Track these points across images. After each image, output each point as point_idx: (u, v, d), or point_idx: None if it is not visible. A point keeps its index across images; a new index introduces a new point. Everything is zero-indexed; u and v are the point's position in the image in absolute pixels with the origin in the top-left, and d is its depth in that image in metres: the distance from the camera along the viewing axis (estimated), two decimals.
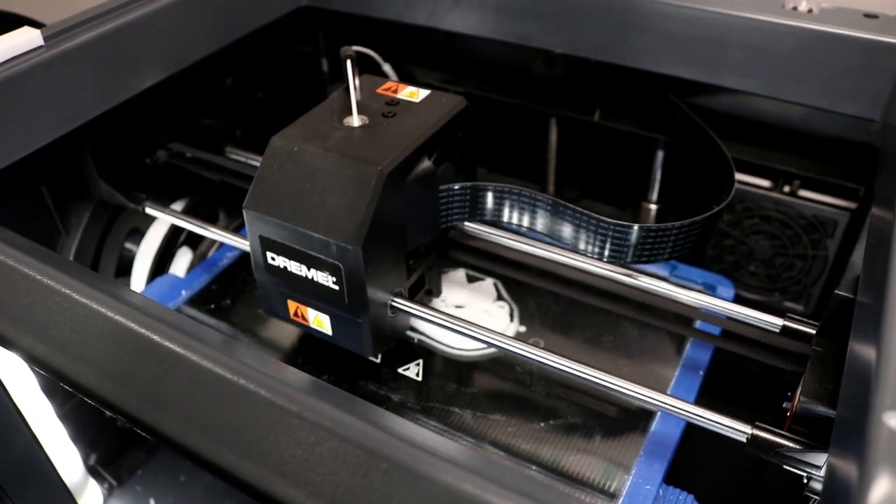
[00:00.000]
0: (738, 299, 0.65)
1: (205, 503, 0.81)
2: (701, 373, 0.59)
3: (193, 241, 0.79)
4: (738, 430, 0.45)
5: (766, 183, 0.73)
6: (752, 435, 0.44)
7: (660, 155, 0.75)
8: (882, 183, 0.51)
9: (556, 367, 0.51)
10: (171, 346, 0.39)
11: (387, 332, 0.55)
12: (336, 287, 0.51)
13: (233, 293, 0.67)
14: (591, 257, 0.54)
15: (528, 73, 0.81)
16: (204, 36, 0.71)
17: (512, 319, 0.64)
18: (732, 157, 0.60)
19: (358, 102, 0.54)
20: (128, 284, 0.76)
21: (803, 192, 0.71)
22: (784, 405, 0.47)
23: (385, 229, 0.50)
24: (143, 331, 0.41)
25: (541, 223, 0.54)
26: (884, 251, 0.39)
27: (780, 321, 0.51)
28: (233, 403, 0.36)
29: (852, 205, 0.69)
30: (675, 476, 0.53)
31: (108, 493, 0.81)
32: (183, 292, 0.67)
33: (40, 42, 0.59)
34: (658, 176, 0.77)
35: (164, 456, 0.85)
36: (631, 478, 0.51)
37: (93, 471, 0.81)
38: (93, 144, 0.67)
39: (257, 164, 0.72)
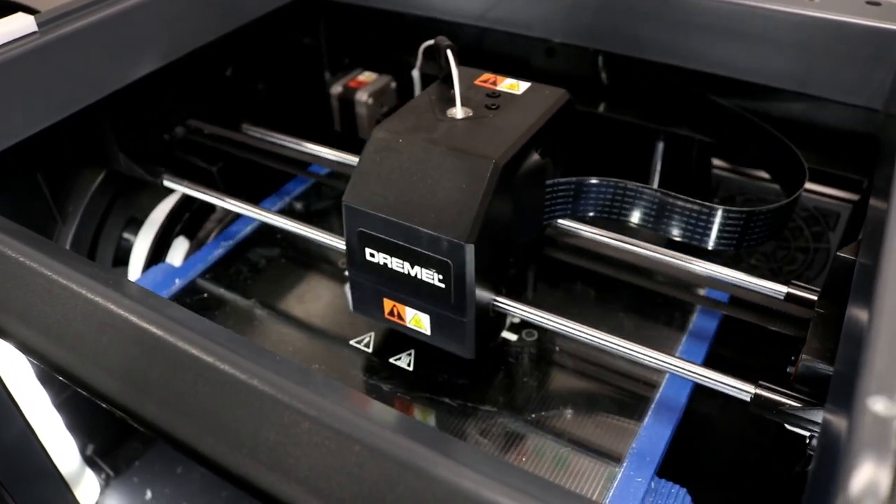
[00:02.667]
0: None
1: (201, 495, 0.81)
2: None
3: (191, 229, 0.79)
4: (741, 389, 0.46)
5: (766, 174, 0.72)
6: (756, 394, 0.45)
7: (660, 146, 0.74)
8: (881, 171, 0.50)
9: (571, 332, 0.52)
10: (166, 337, 0.39)
11: (488, 332, 0.53)
12: (442, 285, 0.49)
13: (226, 283, 0.67)
14: (697, 246, 0.54)
15: (529, 63, 0.80)
16: (202, 24, 0.71)
17: None
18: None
19: (460, 94, 0.53)
20: (125, 273, 0.76)
21: (805, 184, 0.70)
22: (788, 369, 0.47)
23: (495, 226, 0.48)
24: (138, 321, 0.40)
25: (647, 216, 0.53)
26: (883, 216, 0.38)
27: (784, 288, 0.51)
28: (209, 386, 0.36)
29: (854, 197, 0.68)
30: (667, 469, 0.52)
31: (105, 483, 0.81)
32: (177, 281, 0.67)
33: (34, 28, 0.59)
34: (658, 168, 0.76)
35: (161, 447, 0.85)
36: (622, 470, 0.50)
37: (89, 461, 0.81)
38: (114, 119, 0.67)
39: (274, 140, 0.74)
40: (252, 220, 0.74)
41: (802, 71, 0.60)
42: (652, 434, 0.53)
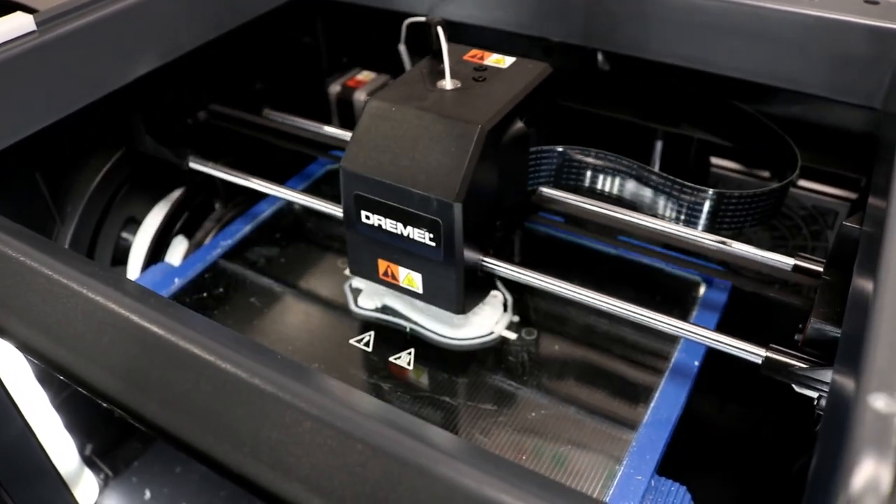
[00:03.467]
0: (736, 291, 0.64)
1: (200, 494, 0.81)
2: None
3: (189, 229, 0.79)
4: (753, 352, 0.48)
5: (765, 173, 0.72)
6: (767, 357, 0.47)
7: (658, 145, 0.74)
8: (881, 169, 0.50)
9: (583, 298, 0.54)
10: (167, 336, 0.39)
11: (475, 292, 0.56)
12: (433, 243, 0.52)
13: (226, 282, 0.67)
14: (678, 223, 0.56)
15: None
16: (200, 24, 0.70)
17: (505, 310, 0.63)
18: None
19: (449, 68, 0.55)
20: (124, 273, 0.76)
21: (803, 183, 0.70)
22: (796, 337, 0.49)
23: (482, 187, 0.51)
24: (139, 320, 0.40)
25: (628, 188, 0.57)
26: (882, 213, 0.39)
27: (791, 260, 0.53)
28: (210, 385, 0.36)
29: (853, 195, 0.68)
30: (667, 467, 0.52)
31: (104, 483, 0.81)
32: (176, 280, 0.67)
33: (33, 27, 0.58)
34: (657, 166, 0.76)
35: (160, 447, 0.84)
36: (622, 468, 0.50)
37: (88, 461, 0.80)
38: (141, 103, 0.70)
39: (294, 123, 0.77)
40: (251, 219, 0.74)
41: (801, 70, 0.60)
42: (652, 432, 0.53)
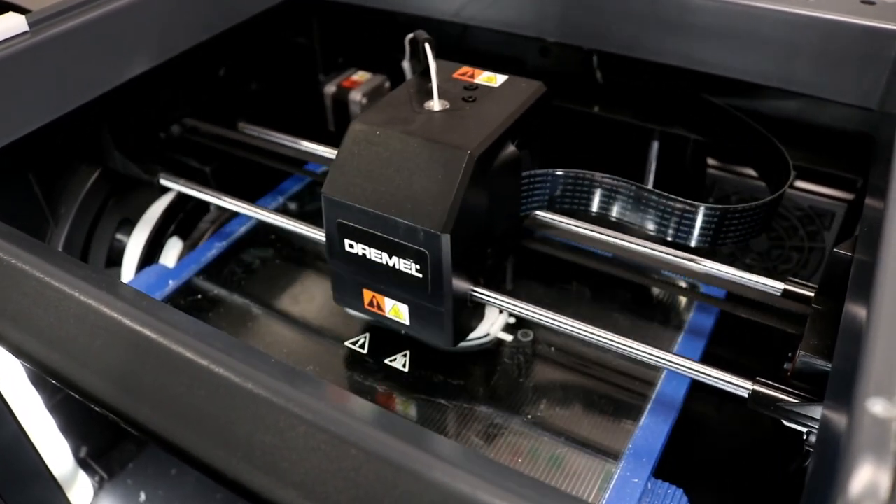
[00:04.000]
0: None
1: (195, 497, 0.80)
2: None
3: (184, 230, 0.79)
4: (739, 385, 0.46)
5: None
6: (754, 391, 0.45)
7: (655, 146, 0.74)
8: (877, 170, 0.50)
9: (573, 331, 0.52)
10: (161, 340, 0.38)
11: (465, 323, 0.54)
12: (419, 275, 0.50)
13: (220, 284, 0.67)
14: (677, 243, 0.54)
15: (523, 63, 0.80)
16: (194, 24, 0.70)
17: (501, 311, 0.63)
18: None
19: (438, 87, 0.54)
20: (118, 274, 0.76)
21: (800, 184, 0.70)
22: (785, 366, 0.48)
23: (472, 216, 0.49)
24: (132, 324, 0.40)
25: (624, 210, 0.54)
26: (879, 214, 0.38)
27: (781, 284, 0.52)
28: (203, 389, 0.35)
29: (849, 196, 0.68)
30: (664, 469, 0.52)
31: (99, 486, 0.80)
32: (170, 282, 0.66)
33: (25, 28, 0.58)
34: (653, 167, 0.76)
35: (155, 449, 0.84)
36: (619, 471, 0.50)
37: (83, 463, 0.80)
38: (109, 117, 0.68)
39: (270, 138, 0.75)
40: (246, 220, 0.74)
41: (797, 70, 0.60)
42: (648, 434, 0.53)
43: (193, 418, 0.35)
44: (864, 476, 0.26)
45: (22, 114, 0.58)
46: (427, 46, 0.54)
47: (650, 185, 0.77)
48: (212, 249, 0.70)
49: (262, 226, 0.74)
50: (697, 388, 0.57)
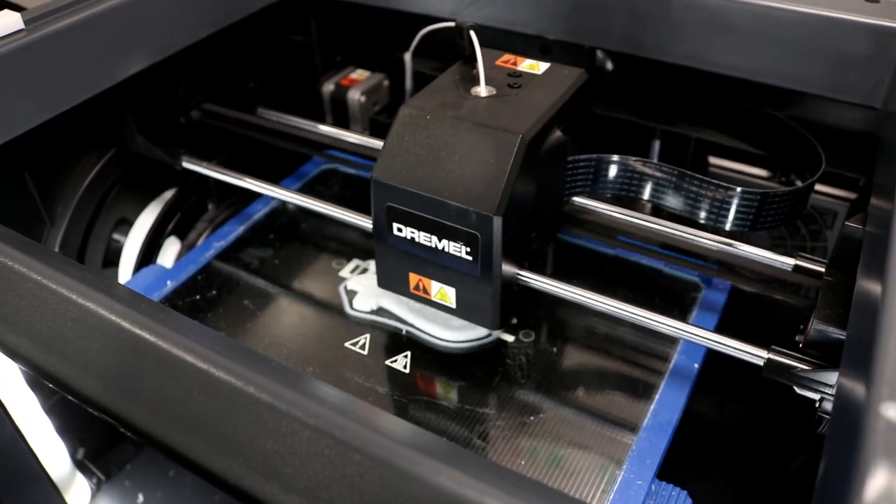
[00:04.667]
0: (735, 291, 0.64)
1: (194, 498, 0.80)
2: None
3: (181, 230, 0.78)
4: (755, 354, 0.47)
5: (763, 172, 0.71)
6: (769, 359, 0.46)
7: (656, 144, 0.74)
8: (883, 169, 0.50)
9: (583, 299, 0.53)
10: (160, 343, 0.38)
11: (510, 306, 0.55)
12: (469, 258, 0.50)
13: (219, 284, 0.66)
14: (715, 226, 0.55)
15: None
16: (192, 22, 0.69)
17: None
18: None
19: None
20: (115, 275, 0.75)
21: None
22: (797, 338, 0.49)
23: (521, 199, 0.50)
24: (129, 326, 0.39)
25: (666, 194, 0.55)
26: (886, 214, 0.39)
27: (791, 260, 0.53)
28: (204, 393, 0.35)
29: (852, 195, 0.67)
30: (668, 472, 0.51)
31: (97, 487, 0.80)
32: (168, 283, 0.66)
33: (20, 25, 0.57)
34: None
35: (153, 450, 0.84)
36: (622, 473, 0.50)
37: (80, 465, 0.79)
38: (132, 102, 0.68)
39: (288, 122, 0.76)
40: (244, 219, 0.74)
41: (800, 69, 0.60)
42: (651, 436, 0.52)
43: (194, 423, 0.35)
44: (879, 482, 0.25)
45: (17, 113, 0.58)
46: (472, 33, 0.55)
47: None
48: (210, 250, 0.69)
49: (261, 225, 0.73)
50: (700, 390, 0.57)
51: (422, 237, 0.51)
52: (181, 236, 0.78)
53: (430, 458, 0.31)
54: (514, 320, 0.61)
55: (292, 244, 0.71)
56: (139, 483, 0.81)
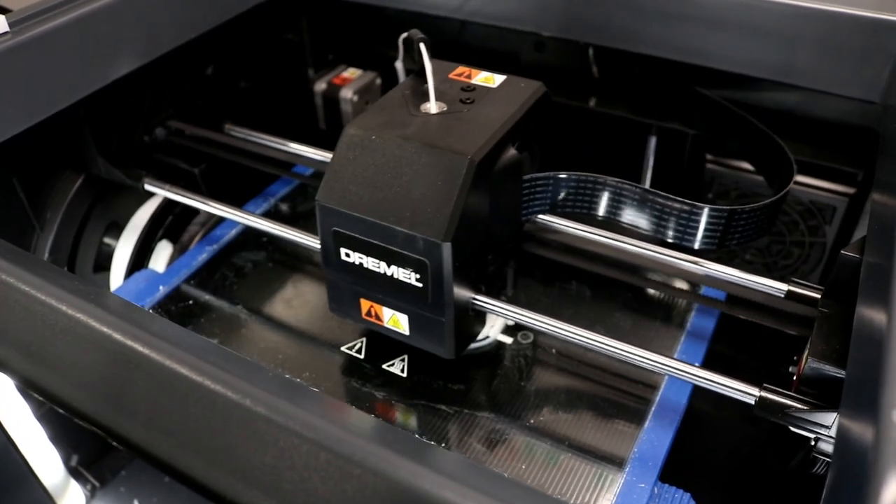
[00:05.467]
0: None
1: None
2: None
3: (174, 234, 0.77)
4: (746, 392, 0.45)
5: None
6: (761, 397, 0.44)
7: (652, 141, 0.73)
8: (885, 165, 0.49)
9: (574, 338, 0.50)
10: (148, 352, 0.37)
11: (467, 332, 0.53)
12: (419, 284, 0.48)
13: (212, 288, 0.65)
14: (680, 245, 0.53)
15: (517, 57, 0.78)
16: (181, 22, 0.68)
17: None
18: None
19: (434, 88, 0.52)
20: (107, 280, 0.74)
21: (800, 178, 0.69)
22: (790, 369, 0.47)
23: (473, 223, 0.48)
24: (121, 338, 0.38)
25: (628, 212, 0.53)
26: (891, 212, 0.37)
27: (784, 286, 0.50)
28: (199, 406, 0.34)
29: (851, 190, 0.67)
30: (670, 474, 0.51)
31: (91, 494, 0.79)
32: (161, 288, 0.65)
33: (5, 28, 0.56)
34: (650, 163, 0.74)
35: None
36: (625, 476, 0.49)
37: (74, 472, 0.78)
38: (92, 121, 0.65)
39: (258, 140, 0.73)
40: (237, 222, 0.73)
41: (797, 63, 0.59)
42: (653, 438, 0.52)
43: (189, 437, 0.34)
44: (894, 492, 0.25)
45: (3, 117, 0.56)
46: (422, 46, 0.52)
47: (648, 181, 0.76)
48: (203, 253, 0.68)
49: (254, 228, 0.72)
50: (701, 389, 0.56)
51: (370, 263, 0.49)
52: (173, 240, 0.77)
53: (433, 471, 0.30)
54: (513, 322, 0.61)
55: (286, 248, 0.70)
56: (134, 489, 0.80)
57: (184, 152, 0.76)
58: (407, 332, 0.52)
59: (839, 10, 0.56)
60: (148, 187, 0.68)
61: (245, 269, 0.67)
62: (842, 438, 0.35)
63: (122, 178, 0.67)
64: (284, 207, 0.76)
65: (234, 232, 0.71)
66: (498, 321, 0.61)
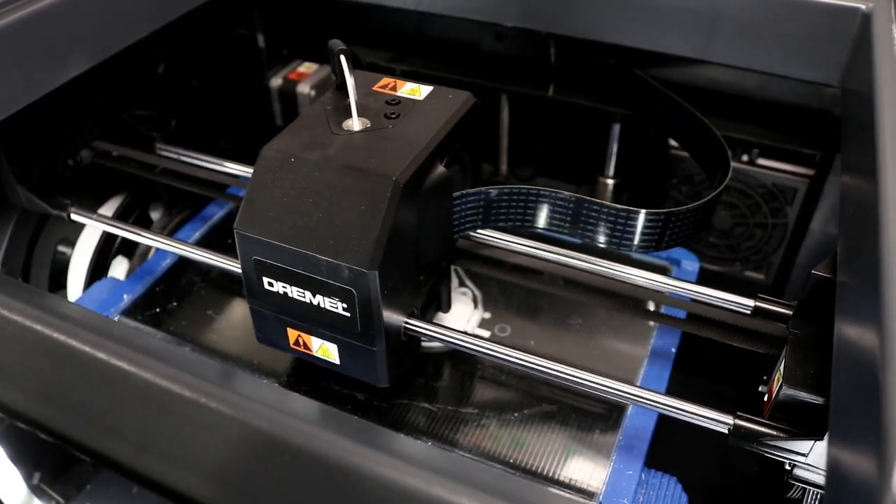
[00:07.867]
0: (702, 272, 0.64)
1: None
2: (671, 357, 0.58)
3: (131, 242, 0.74)
4: (719, 420, 0.43)
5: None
6: (735, 425, 0.42)
7: (616, 129, 0.73)
8: (850, 150, 0.50)
9: (530, 366, 0.48)
10: (120, 364, 0.35)
11: (401, 357, 0.50)
12: (347, 314, 0.45)
13: (179, 294, 0.63)
14: (616, 250, 0.50)
15: (478, 48, 0.78)
16: (132, 20, 0.65)
17: (476, 306, 0.62)
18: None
19: (356, 103, 0.48)
20: (64, 293, 0.71)
21: (761, 161, 0.70)
22: (760, 388, 0.45)
23: (400, 247, 0.45)
24: (72, 342, 0.36)
25: (562, 222, 0.50)
26: (867, 225, 0.37)
27: (751, 302, 0.48)
28: (156, 409, 0.33)
29: (810, 171, 0.69)
30: (655, 459, 0.51)
31: None
32: (125, 296, 0.62)
33: None
34: (615, 150, 0.75)
35: None
36: (612, 464, 0.50)
37: (37, 490, 0.76)
38: (8, 147, 0.60)
39: (190, 160, 0.68)
40: (201, 223, 0.71)
41: (758, 47, 0.60)
42: (637, 424, 0.52)
43: (167, 448, 0.33)
44: None
45: None
46: (343, 58, 0.48)
47: (612, 169, 0.77)
48: (166, 258, 0.66)
49: (218, 228, 0.71)
50: (680, 366, 0.57)
51: (294, 292, 0.46)
52: (129, 255, 0.74)
53: (369, 448, 0.29)
54: (488, 315, 0.61)
55: None
56: (101, 503, 0.78)
57: (113, 176, 0.71)
58: (338, 362, 0.50)
59: None
60: (75, 217, 0.62)
61: (213, 273, 0.65)
62: (834, 468, 0.33)
63: (46, 208, 0.62)
64: (218, 233, 0.72)
65: (197, 235, 0.70)
66: (474, 316, 0.61)
